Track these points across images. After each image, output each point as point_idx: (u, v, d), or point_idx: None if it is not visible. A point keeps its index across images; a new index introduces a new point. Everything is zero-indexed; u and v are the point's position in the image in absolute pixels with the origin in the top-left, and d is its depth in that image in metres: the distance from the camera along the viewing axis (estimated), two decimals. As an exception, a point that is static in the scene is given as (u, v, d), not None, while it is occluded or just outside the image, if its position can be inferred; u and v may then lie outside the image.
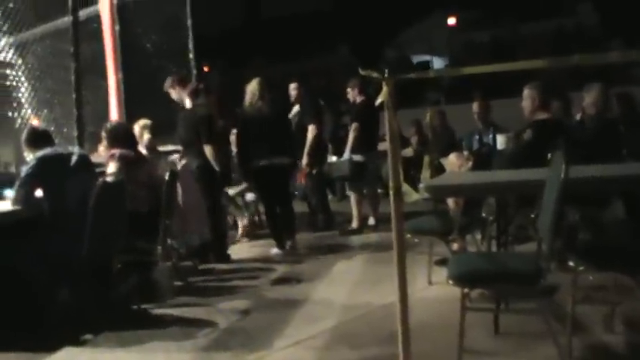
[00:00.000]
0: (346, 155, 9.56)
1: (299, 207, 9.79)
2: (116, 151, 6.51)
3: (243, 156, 8.22)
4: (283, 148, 8.18)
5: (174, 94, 8.50)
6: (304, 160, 9.41)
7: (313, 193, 10.06)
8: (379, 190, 11.57)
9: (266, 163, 7.97)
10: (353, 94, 9.66)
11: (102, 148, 7.48)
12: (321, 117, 9.98)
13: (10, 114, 9.14)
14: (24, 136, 6.01)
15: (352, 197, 9.68)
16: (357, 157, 9.43)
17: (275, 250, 8.15)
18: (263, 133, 7.95)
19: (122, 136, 6.73)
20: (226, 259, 7.90)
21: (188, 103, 8.13)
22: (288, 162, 8.37)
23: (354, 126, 9.41)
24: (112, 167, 6.35)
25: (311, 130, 9.36)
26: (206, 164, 7.78)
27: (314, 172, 9.68)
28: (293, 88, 9.99)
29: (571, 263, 4.05)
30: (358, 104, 9.58)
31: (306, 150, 9.32)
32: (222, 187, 8.43)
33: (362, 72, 3.50)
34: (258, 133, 7.95)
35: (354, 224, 9.51)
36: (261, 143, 7.96)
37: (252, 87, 8.31)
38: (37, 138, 5.96)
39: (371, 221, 9.65)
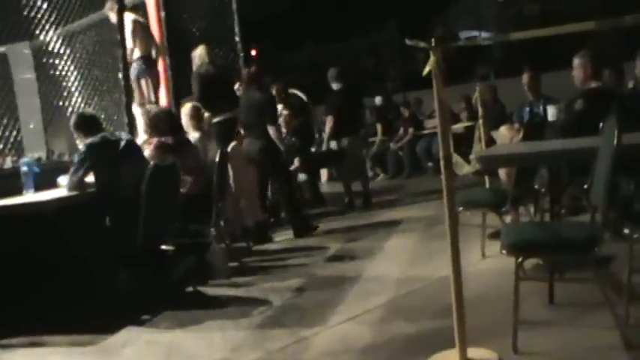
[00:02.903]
0: (324, 145, 10.24)
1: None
2: (154, 140, 6.57)
3: None
4: None
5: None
6: None
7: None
8: (371, 173, 12.04)
9: None
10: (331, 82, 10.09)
11: (142, 134, 7.55)
12: (306, 110, 10.79)
13: (60, 104, 9.27)
14: (72, 122, 6.10)
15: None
16: (334, 145, 9.95)
17: None
18: None
19: (163, 124, 6.75)
20: (268, 240, 8.07)
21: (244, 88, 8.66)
22: None
23: (328, 118, 9.88)
24: (147, 154, 6.39)
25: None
26: (270, 145, 8.10)
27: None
28: (275, 90, 10.32)
29: (626, 231, 3.99)
30: (333, 92, 9.93)
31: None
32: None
33: (408, 42, 3.48)
34: None
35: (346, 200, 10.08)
36: None
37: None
38: (85, 123, 6.03)
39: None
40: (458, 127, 12.44)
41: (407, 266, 6.22)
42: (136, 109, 8.60)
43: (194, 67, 9.00)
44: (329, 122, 9.85)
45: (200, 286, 6.09)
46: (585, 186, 4.08)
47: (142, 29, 8.81)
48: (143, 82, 8.66)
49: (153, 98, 8.67)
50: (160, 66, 9.34)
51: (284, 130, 10.07)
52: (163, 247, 5.73)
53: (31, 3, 8.31)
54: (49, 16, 8.50)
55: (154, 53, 8.96)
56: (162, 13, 9.55)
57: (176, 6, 9.51)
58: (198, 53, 8.96)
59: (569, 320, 4.21)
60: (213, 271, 6.53)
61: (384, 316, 4.81)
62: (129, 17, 8.72)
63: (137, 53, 8.73)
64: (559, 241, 3.77)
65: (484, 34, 30.73)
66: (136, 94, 8.71)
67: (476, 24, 30.92)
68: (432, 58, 3.35)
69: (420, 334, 4.35)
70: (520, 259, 3.72)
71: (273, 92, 9.75)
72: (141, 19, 8.94)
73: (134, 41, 8.65)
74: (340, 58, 25.62)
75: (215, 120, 8.58)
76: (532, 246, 3.81)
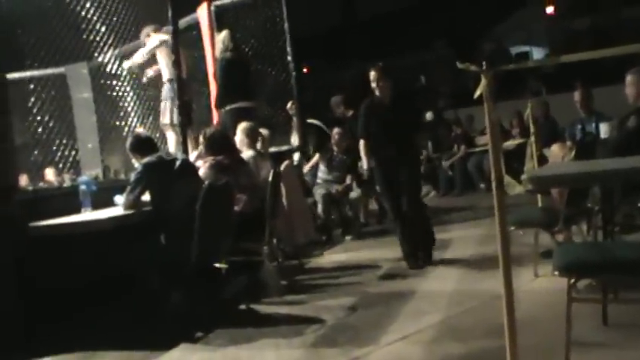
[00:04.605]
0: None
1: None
2: (209, 159, 6.67)
3: None
4: None
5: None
6: None
7: None
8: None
9: None
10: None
11: (195, 152, 7.67)
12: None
13: (117, 123, 9.46)
14: (129, 143, 6.24)
15: None
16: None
17: None
18: None
19: (219, 143, 6.87)
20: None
21: None
22: None
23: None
24: (202, 173, 6.50)
25: None
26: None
27: None
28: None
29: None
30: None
31: None
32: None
33: (459, 65, 3.50)
34: None
35: None
36: None
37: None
38: (141, 144, 6.17)
39: None
40: (509, 144, 12.39)
41: (459, 285, 6.22)
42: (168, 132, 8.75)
43: (217, 53, 9.11)
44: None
45: (253, 304, 6.14)
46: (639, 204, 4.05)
47: (168, 51, 8.70)
48: (169, 104, 8.70)
49: (176, 121, 8.56)
50: (213, 87, 9.45)
51: (335, 148, 10.14)
52: (217, 265, 5.81)
53: (90, 27, 8.50)
54: (107, 39, 8.68)
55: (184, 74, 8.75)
56: (216, 34, 9.67)
57: (229, 26, 9.61)
58: (221, 38, 9.04)
59: (623, 342, 4.17)
60: (265, 289, 6.57)
61: (435, 335, 4.81)
62: (156, 38, 8.81)
63: (166, 75, 8.82)
64: (612, 262, 3.73)
65: (535, 50, 30.55)
66: (162, 116, 8.85)
67: (526, 39, 30.74)
68: (482, 81, 3.36)
69: (471, 354, 4.35)
70: (573, 280, 3.71)
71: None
72: (168, 41, 8.74)
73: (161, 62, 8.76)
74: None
75: (228, 107, 8.70)
76: (585, 267, 3.78)
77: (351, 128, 9.48)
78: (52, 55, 9.22)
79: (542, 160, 8.15)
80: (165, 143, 8.82)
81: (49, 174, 10.26)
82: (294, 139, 10.28)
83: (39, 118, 9.38)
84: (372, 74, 7.31)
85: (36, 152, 9.51)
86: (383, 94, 7.32)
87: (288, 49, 9.95)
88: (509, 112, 13.38)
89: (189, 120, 8.60)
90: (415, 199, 7.40)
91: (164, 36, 8.73)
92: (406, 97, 7.71)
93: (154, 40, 8.71)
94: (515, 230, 5.83)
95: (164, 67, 8.70)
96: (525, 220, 6.02)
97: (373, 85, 7.31)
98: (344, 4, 35.23)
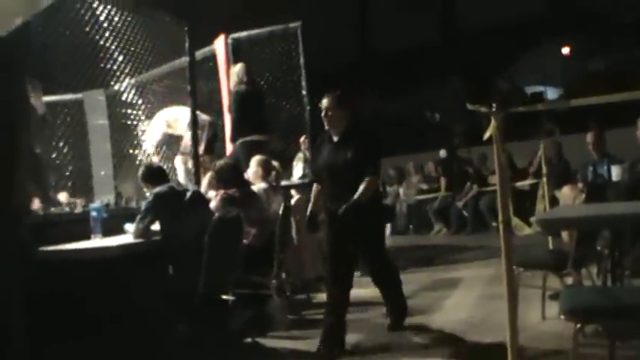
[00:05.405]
0: None
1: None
2: (221, 192, 6.70)
3: None
4: None
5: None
6: None
7: None
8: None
9: None
10: None
11: (205, 181, 7.72)
12: None
13: (131, 151, 9.52)
14: (140, 173, 6.30)
15: None
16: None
17: None
18: None
19: (231, 175, 6.90)
20: None
21: None
22: None
23: None
24: (213, 205, 6.53)
25: None
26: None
27: None
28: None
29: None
30: None
31: None
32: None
33: (470, 107, 3.52)
34: None
35: None
36: None
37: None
38: (152, 174, 6.22)
39: None
40: (523, 184, 12.38)
41: (465, 325, 6.17)
42: (177, 159, 8.83)
43: (231, 86, 9.17)
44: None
45: (259, 338, 6.13)
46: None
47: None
48: (189, 135, 8.75)
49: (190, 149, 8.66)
50: (228, 118, 9.52)
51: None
52: (224, 297, 5.81)
53: (108, 55, 8.57)
54: (124, 68, 8.75)
55: None
56: (232, 66, 9.74)
57: (245, 59, 9.68)
58: (236, 71, 9.13)
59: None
60: (272, 322, 6.57)
61: (440, 375, 4.80)
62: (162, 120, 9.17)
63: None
64: (619, 307, 3.71)
65: (550, 90, 30.56)
66: (183, 147, 8.96)
67: (541, 79, 30.75)
68: (492, 123, 3.38)
69: (476, 395, 4.33)
70: (579, 325, 3.69)
71: None
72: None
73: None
74: (402, 110, 25.72)
75: (241, 140, 8.74)
76: (591, 312, 3.74)
77: None
78: (70, 81, 9.29)
79: (554, 201, 8.13)
80: (176, 175, 8.89)
81: (62, 198, 10.29)
82: (297, 171, 10.27)
83: (54, 142, 9.43)
84: (324, 102, 5.91)
85: (50, 176, 9.56)
86: (332, 126, 5.90)
87: (304, 83, 9.97)
88: (524, 152, 13.36)
89: (211, 149, 8.72)
90: (375, 260, 6.28)
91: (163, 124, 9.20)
92: (361, 133, 5.92)
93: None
94: (524, 272, 5.80)
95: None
96: (533, 262, 5.98)
97: (322, 115, 5.92)
98: (361, 39, 35.44)
